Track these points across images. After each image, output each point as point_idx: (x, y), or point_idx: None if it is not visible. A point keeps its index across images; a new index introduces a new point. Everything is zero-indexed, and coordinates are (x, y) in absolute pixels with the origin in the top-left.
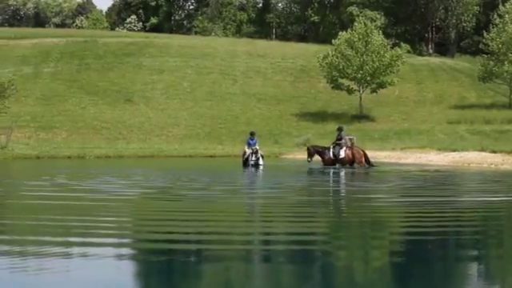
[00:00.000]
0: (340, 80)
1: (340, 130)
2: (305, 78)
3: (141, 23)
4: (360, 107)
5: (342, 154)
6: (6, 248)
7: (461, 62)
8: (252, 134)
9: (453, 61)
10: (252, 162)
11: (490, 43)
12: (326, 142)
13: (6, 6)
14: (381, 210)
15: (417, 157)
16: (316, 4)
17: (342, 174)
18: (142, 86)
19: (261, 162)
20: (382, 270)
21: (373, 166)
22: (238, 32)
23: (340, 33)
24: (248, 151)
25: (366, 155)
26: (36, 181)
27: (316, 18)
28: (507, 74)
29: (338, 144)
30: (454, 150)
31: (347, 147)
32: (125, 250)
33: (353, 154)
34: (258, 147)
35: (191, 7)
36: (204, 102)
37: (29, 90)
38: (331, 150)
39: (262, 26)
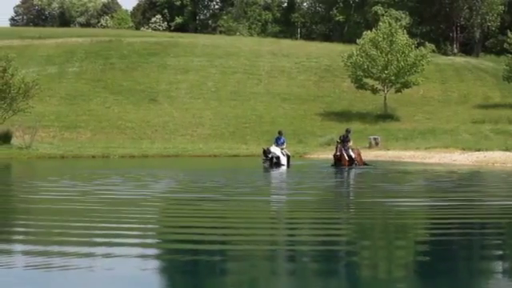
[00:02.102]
0: (364, 80)
1: (348, 131)
2: (329, 77)
3: (166, 23)
4: (384, 107)
5: (352, 154)
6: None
7: (485, 62)
8: (280, 132)
9: (477, 60)
10: (264, 163)
11: None
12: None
13: (31, 5)
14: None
15: (441, 156)
16: (341, 3)
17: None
18: (166, 86)
19: (284, 161)
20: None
21: (367, 165)
22: (263, 32)
23: (365, 32)
24: (272, 149)
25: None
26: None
27: (341, 17)
28: None
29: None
30: (479, 150)
31: (352, 148)
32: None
33: (356, 155)
34: (285, 146)
35: (216, 7)
36: (228, 101)
37: (53, 90)
38: (343, 151)
39: (286, 25)
